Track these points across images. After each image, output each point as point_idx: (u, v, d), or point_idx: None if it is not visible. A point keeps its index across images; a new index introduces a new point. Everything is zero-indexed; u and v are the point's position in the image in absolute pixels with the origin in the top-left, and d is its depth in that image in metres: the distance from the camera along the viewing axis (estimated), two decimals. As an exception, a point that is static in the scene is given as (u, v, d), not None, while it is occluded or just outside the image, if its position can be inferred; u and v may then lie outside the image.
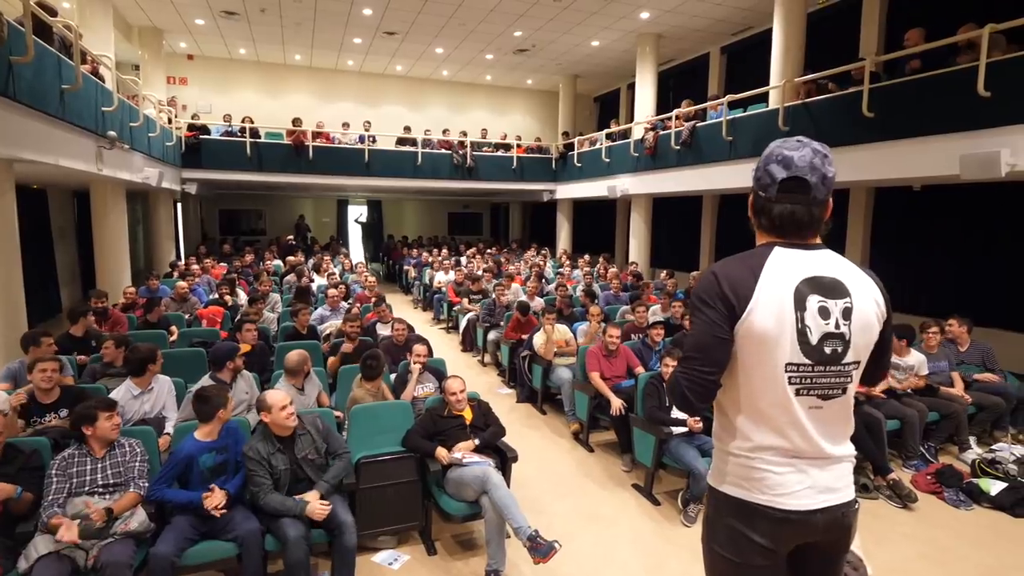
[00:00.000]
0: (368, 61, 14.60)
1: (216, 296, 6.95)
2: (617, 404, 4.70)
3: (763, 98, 8.54)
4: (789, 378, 1.34)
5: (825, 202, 1.40)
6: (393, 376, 4.55)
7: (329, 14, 11.09)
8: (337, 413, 3.93)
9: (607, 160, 11.93)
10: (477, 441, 3.41)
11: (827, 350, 1.34)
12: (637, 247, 11.68)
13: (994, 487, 3.98)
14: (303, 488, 2.90)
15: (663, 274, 9.80)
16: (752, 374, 1.37)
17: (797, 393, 1.34)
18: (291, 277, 8.44)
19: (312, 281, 8.61)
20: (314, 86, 15.37)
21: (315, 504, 2.78)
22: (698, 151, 9.23)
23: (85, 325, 4.83)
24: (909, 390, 4.70)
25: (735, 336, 1.36)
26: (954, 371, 4.91)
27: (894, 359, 4.79)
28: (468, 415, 3.54)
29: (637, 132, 11.14)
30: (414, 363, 4.28)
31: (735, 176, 8.41)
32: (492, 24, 11.44)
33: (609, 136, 12.27)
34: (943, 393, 4.75)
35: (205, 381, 3.62)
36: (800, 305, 1.33)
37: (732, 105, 8.70)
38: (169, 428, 3.42)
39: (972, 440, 4.72)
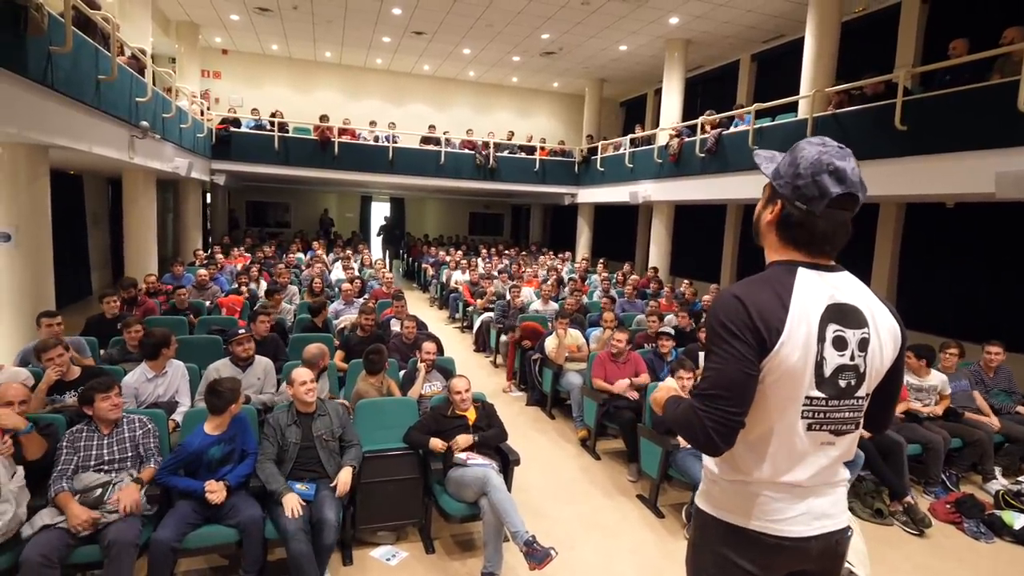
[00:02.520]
0: (396, 60, 14.75)
1: (237, 286, 7.08)
2: (624, 385, 4.65)
3: (792, 107, 8.38)
4: (803, 412, 1.25)
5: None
6: (402, 373, 4.59)
7: (360, 12, 11.24)
8: (343, 401, 3.98)
9: (630, 165, 11.85)
10: (475, 437, 3.40)
11: (841, 383, 1.25)
12: (657, 254, 11.56)
13: (1018, 520, 3.82)
14: (312, 464, 3.05)
15: (684, 283, 9.68)
16: (767, 407, 1.26)
17: (809, 428, 1.26)
18: (306, 272, 8.57)
19: (329, 271, 8.73)
20: (343, 83, 15.58)
21: (347, 476, 2.98)
22: (723, 159, 9.11)
23: (114, 306, 4.97)
24: (934, 416, 4.55)
25: (761, 371, 1.23)
26: (975, 391, 4.73)
27: (915, 380, 4.67)
28: (472, 416, 3.54)
29: (662, 138, 11.04)
30: (421, 361, 4.30)
31: (760, 186, 8.17)
32: (519, 26, 11.45)
33: (633, 141, 12.18)
34: (968, 419, 4.59)
35: (224, 364, 3.71)
36: (821, 336, 1.23)
37: (760, 114, 8.57)
38: (180, 412, 3.49)
39: (998, 470, 4.54)
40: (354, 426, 3.57)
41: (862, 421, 1.33)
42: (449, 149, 13.19)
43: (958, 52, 6.01)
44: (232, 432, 2.93)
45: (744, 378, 1.22)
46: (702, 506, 1.43)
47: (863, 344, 1.26)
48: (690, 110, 12.09)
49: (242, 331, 3.95)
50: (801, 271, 1.27)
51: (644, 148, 11.60)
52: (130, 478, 2.73)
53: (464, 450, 3.34)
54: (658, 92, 13.31)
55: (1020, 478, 4.32)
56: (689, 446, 3.96)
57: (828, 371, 1.24)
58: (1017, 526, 3.79)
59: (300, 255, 11.28)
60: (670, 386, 1.56)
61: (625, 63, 13.49)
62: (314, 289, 6.67)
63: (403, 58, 14.53)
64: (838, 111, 7.02)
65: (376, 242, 18.20)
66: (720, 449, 1.25)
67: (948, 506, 4.05)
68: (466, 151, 13.51)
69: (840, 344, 1.24)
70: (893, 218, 8.44)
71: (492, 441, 3.49)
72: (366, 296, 7.17)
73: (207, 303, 6.36)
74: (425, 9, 10.84)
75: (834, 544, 1.35)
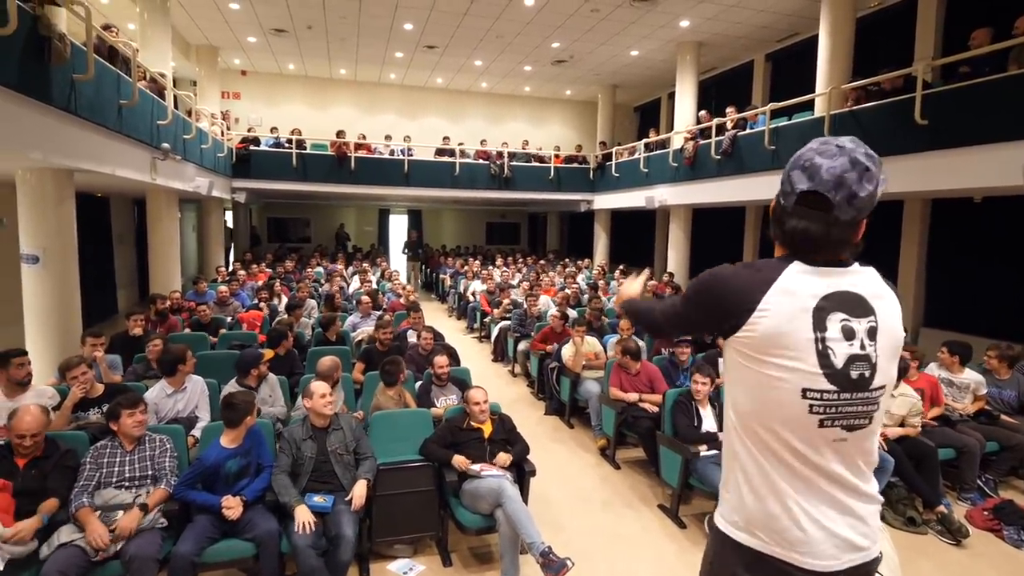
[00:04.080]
0: (409, 74, 14.94)
1: (256, 301, 7.19)
2: (633, 397, 4.62)
3: (809, 106, 8.26)
4: (811, 406, 1.17)
5: (854, 223, 1.19)
6: (418, 384, 4.60)
7: (372, 29, 11.43)
8: (358, 414, 3.99)
9: (645, 170, 11.78)
10: (510, 458, 3.38)
11: (854, 375, 1.17)
12: (676, 259, 11.45)
13: (1060, 526, 3.67)
14: (328, 478, 3.08)
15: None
16: (767, 402, 1.20)
17: (821, 424, 1.17)
18: (325, 286, 8.66)
19: (348, 284, 8.82)
20: (358, 99, 15.84)
21: (362, 490, 3.01)
22: (739, 161, 9.00)
23: (139, 325, 5.09)
24: (966, 416, 4.41)
25: (734, 346, 1.24)
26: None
27: (948, 375, 4.55)
28: (488, 428, 3.52)
29: (676, 142, 10.96)
30: (434, 375, 4.30)
31: (776, 186, 8.12)
32: (529, 36, 11.52)
33: (648, 146, 12.11)
34: (1004, 422, 4.42)
35: (232, 386, 3.75)
36: (820, 325, 1.16)
37: (777, 113, 8.45)
38: (199, 428, 3.54)
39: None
40: (369, 438, 3.58)
41: (877, 416, 1.23)
42: (463, 160, 13.29)
43: (979, 42, 5.84)
44: (248, 445, 2.96)
45: (688, 326, 1.55)
46: (721, 527, 1.33)
47: (872, 333, 1.19)
48: (705, 112, 11.97)
49: (260, 349, 4.00)
50: (794, 263, 1.22)
51: (659, 152, 11.53)
52: (138, 504, 2.72)
53: (477, 462, 3.32)
54: (672, 96, 13.23)
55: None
56: (709, 452, 3.90)
57: (839, 362, 1.17)
58: (1059, 532, 3.63)
59: (320, 269, 11.44)
60: (635, 291, 1.75)
61: (637, 68, 13.46)
62: (333, 303, 6.74)
63: (416, 72, 14.72)
64: (856, 108, 6.89)
65: (402, 258, 18.40)
66: (664, 335, 1.49)
67: (986, 513, 3.90)
68: (480, 161, 13.59)
69: (849, 334, 1.18)
70: (919, 215, 8.23)
71: (521, 459, 3.47)
72: (384, 308, 7.23)
73: (228, 319, 6.47)
74: (436, 24, 10.98)
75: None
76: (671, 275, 10.88)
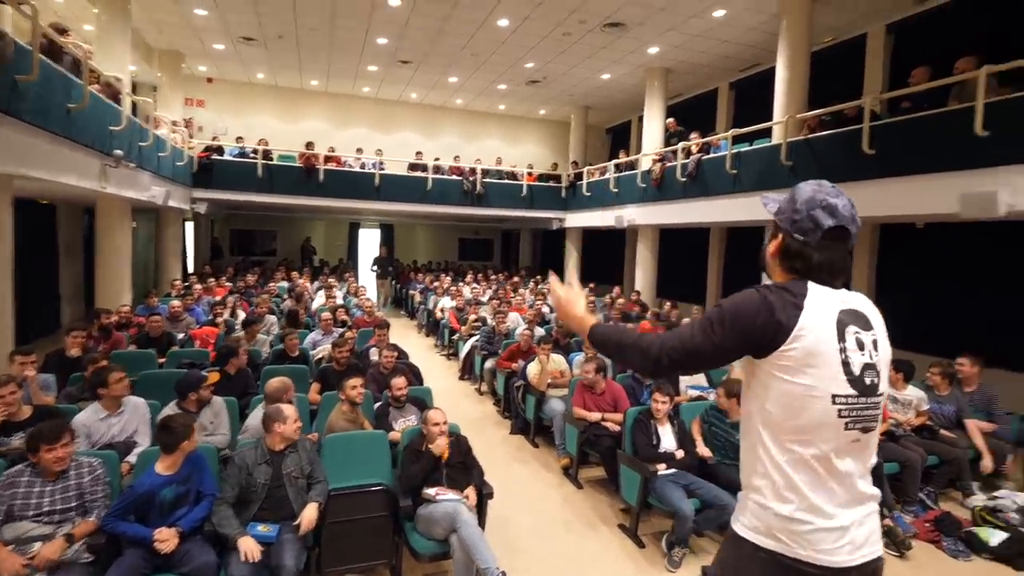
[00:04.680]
0: (383, 88, 14.90)
1: (212, 317, 6.95)
2: (596, 416, 4.60)
3: (769, 133, 8.51)
4: (839, 411, 1.31)
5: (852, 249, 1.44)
6: (377, 405, 4.48)
7: (345, 42, 11.37)
8: (312, 436, 3.86)
9: (615, 190, 11.95)
10: (475, 495, 3.31)
11: (867, 381, 1.34)
12: (643, 277, 11.59)
13: (994, 537, 3.78)
14: (280, 504, 2.94)
15: (667, 305, 9.68)
16: (802, 409, 1.32)
17: (846, 427, 1.32)
18: (288, 303, 8.40)
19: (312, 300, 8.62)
20: (330, 111, 15.69)
21: (312, 513, 2.89)
22: (704, 184, 9.20)
23: (78, 344, 4.83)
24: (909, 430, 4.54)
25: (773, 363, 1.33)
26: (969, 420, 4.68)
27: (892, 391, 4.69)
28: (445, 452, 3.42)
29: (645, 163, 11.16)
30: (392, 396, 4.20)
31: (740, 209, 8.35)
32: (504, 56, 11.64)
33: (617, 167, 12.30)
34: (943, 436, 4.58)
35: (172, 408, 3.57)
36: (841, 336, 1.33)
37: (738, 139, 8.69)
38: (136, 453, 3.34)
39: (976, 486, 4.51)
40: (322, 461, 3.46)
41: (879, 418, 1.40)
42: (436, 176, 13.26)
43: (918, 80, 6.18)
44: (186, 472, 2.81)
45: (719, 355, 1.37)
46: (742, 533, 1.42)
47: (875, 345, 1.37)
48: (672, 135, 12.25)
49: (206, 370, 3.81)
50: (811, 283, 1.38)
51: (628, 173, 11.72)
52: (63, 535, 2.54)
53: (433, 485, 3.24)
54: (641, 119, 13.50)
55: (996, 494, 4.27)
56: (669, 471, 3.88)
57: (856, 370, 1.32)
58: (994, 542, 3.75)
59: (283, 283, 11.17)
60: (580, 309, 1.61)
61: (608, 91, 13.72)
62: (296, 319, 6.56)
63: (390, 86, 14.69)
64: (811, 136, 7.13)
65: (371, 275, 18.13)
66: (656, 374, 1.44)
67: (928, 524, 4.00)
68: (454, 177, 13.59)
69: (861, 345, 1.34)
70: (868, 239, 8.54)
71: (477, 485, 3.39)
72: (348, 325, 7.08)
73: (180, 335, 6.22)
74: (410, 39, 11.00)
75: (871, 573, 1.37)
76: (638, 293, 11.01)
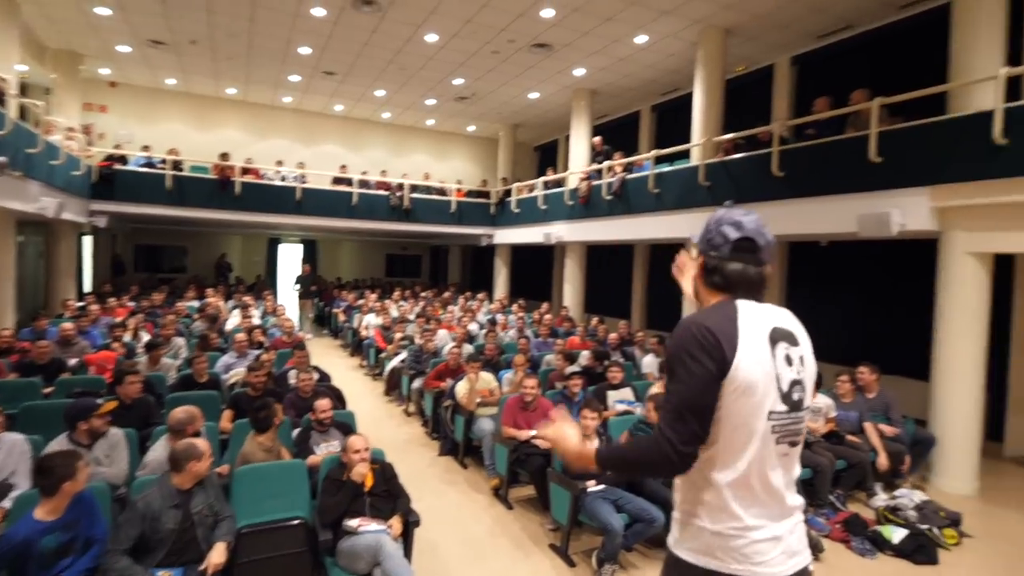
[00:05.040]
0: (306, 99, 14.42)
1: (110, 340, 6.34)
2: (527, 435, 4.59)
3: (688, 154, 8.95)
4: (772, 426, 1.36)
5: (768, 265, 1.50)
6: (296, 432, 4.23)
7: (265, 50, 10.92)
8: (223, 468, 3.58)
9: (544, 207, 12.13)
10: (400, 527, 3.15)
11: (795, 396, 1.39)
12: (571, 293, 11.79)
13: (896, 534, 4.05)
14: (189, 548, 2.70)
15: (594, 320, 9.87)
16: (738, 430, 1.34)
17: (777, 441, 1.37)
18: (199, 323, 7.81)
19: (226, 320, 8.09)
20: (248, 121, 14.98)
21: (220, 556, 2.69)
22: (628, 202, 9.52)
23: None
24: (819, 437, 4.82)
25: (723, 391, 1.34)
26: (868, 423, 5.03)
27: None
28: (368, 480, 3.26)
29: (572, 181, 11.42)
30: (315, 420, 3.98)
31: (662, 227, 8.70)
32: (432, 71, 11.59)
33: (546, 184, 12.51)
34: (849, 441, 4.90)
35: (60, 443, 3.20)
36: (773, 352, 1.38)
37: (660, 160, 9.07)
38: (13, 497, 2.95)
39: (879, 487, 4.84)
40: (234, 495, 3.21)
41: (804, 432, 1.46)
42: (362, 190, 12.92)
43: (819, 109, 6.72)
44: (72, 516, 2.50)
45: (710, 397, 1.33)
46: (682, 555, 1.44)
47: (802, 360, 1.44)
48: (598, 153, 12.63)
49: (100, 400, 3.45)
50: (739, 301, 1.42)
51: (556, 190, 11.94)
52: None
53: (355, 516, 3.06)
54: (569, 138, 13.85)
55: (895, 493, 4.61)
56: (599, 488, 3.90)
57: (785, 386, 1.37)
58: (896, 540, 4.01)
59: (193, 303, 10.44)
60: (574, 443, 1.55)
61: (536, 110, 13.97)
62: (207, 342, 6.11)
63: (313, 97, 14.24)
64: (726, 158, 7.56)
65: (293, 293, 17.26)
66: (686, 468, 1.34)
67: (838, 526, 4.24)
68: (381, 192, 13.30)
69: (789, 361, 1.40)
70: (778, 255, 9.12)
71: (403, 514, 3.24)
72: (265, 346, 6.69)
73: (73, 361, 5.63)
74: (334, 50, 10.72)
75: None
76: (566, 309, 11.16)
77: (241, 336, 6.05)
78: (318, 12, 8.96)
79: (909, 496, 4.37)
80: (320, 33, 9.88)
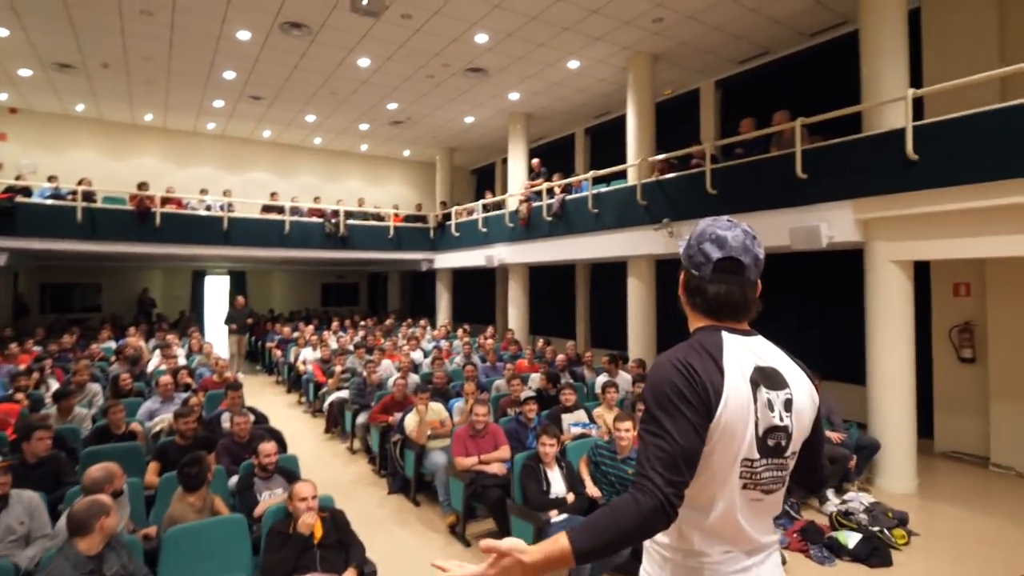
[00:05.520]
0: (232, 125, 13.81)
1: (11, 391, 5.66)
2: (495, 468, 4.43)
3: (624, 174, 9.17)
4: (741, 472, 1.28)
5: (756, 283, 1.40)
6: (233, 480, 3.87)
7: (186, 74, 10.37)
8: (150, 530, 3.19)
9: (484, 230, 12.08)
10: None
11: (770, 443, 1.29)
12: (516, 315, 11.73)
13: (851, 539, 4.14)
14: None
15: (540, 341, 9.84)
16: (712, 472, 1.27)
17: (744, 487, 1.29)
18: (116, 366, 7.11)
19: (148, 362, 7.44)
20: (168, 149, 14.15)
21: None
22: (568, 222, 9.61)
23: None
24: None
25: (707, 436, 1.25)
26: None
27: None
28: (318, 531, 2.99)
29: (511, 203, 11.45)
30: (259, 465, 3.65)
31: (602, 246, 8.82)
32: (365, 96, 11.39)
33: (485, 207, 12.49)
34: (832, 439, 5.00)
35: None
36: (753, 397, 1.28)
37: (597, 180, 9.25)
38: None
39: (830, 492, 4.96)
40: (163, 561, 2.85)
41: (789, 479, 1.37)
42: (295, 218, 12.42)
43: (745, 129, 7.06)
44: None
45: (700, 443, 1.22)
46: None
47: (788, 404, 1.31)
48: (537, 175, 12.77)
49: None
50: (725, 335, 1.33)
51: (496, 213, 11.94)
52: None
53: (305, 572, 2.79)
54: (505, 160, 13.95)
55: (846, 497, 4.74)
56: (562, 518, 3.77)
57: (761, 432, 1.28)
58: (851, 544, 4.10)
59: (109, 344, 9.58)
60: (522, 550, 1.18)
61: (473, 133, 14.00)
62: (117, 387, 5.56)
63: (240, 123, 13.65)
64: (661, 178, 7.79)
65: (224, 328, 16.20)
66: (672, 520, 1.19)
67: (796, 535, 4.29)
68: (314, 219, 12.83)
69: (770, 406, 1.29)
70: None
71: (359, 566, 2.98)
72: (193, 388, 6.17)
73: (-37, 417, 4.96)
74: (261, 75, 10.33)
75: None
76: (512, 331, 11.08)
77: (165, 379, 5.55)
78: (243, 35, 8.62)
79: (859, 499, 4.51)
80: (246, 57, 9.50)
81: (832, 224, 5.60)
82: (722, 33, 8.17)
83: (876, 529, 4.18)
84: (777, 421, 1.29)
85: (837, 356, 7.55)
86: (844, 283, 7.47)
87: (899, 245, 5.35)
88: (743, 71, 9.36)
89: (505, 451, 4.69)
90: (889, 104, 5.52)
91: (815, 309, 8.31)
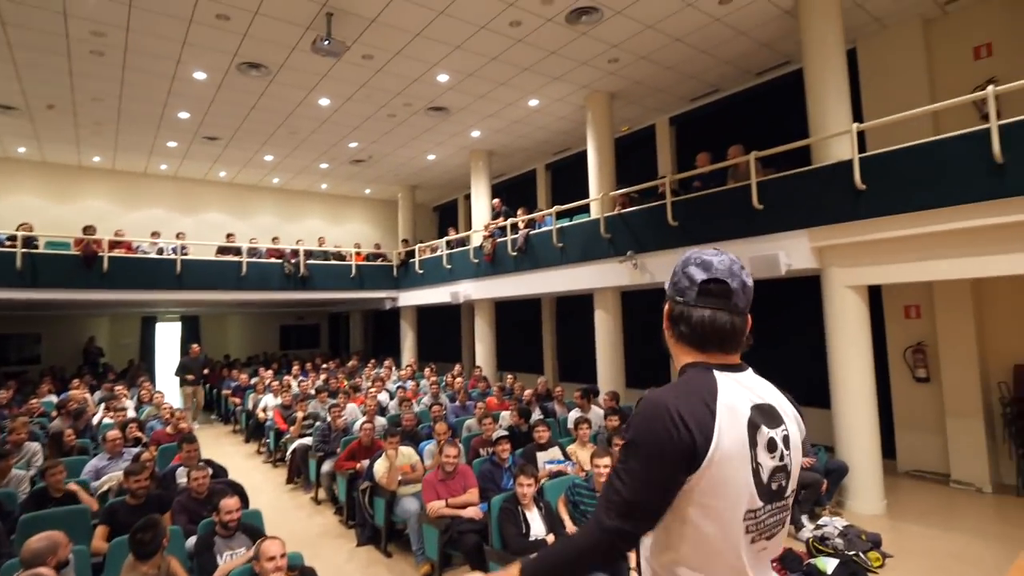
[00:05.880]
0: (185, 166, 13.48)
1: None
2: (471, 513, 4.28)
3: (587, 208, 9.35)
4: (747, 527, 1.20)
5: (745, 313, 1.32)
6: (191, 541, 3.59)
7: (137, 115, 10.11)
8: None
9: (449, 267, 12.02)
10: None
11: (774, 486, 1.22)
12: (483, 351, 11.61)
13: (829, 565, 4.12)
14: None
15: (509, 377, 9.72)
16: (708, 530, 1.18)
17: (752, 541, 1.21)
18: (56, 422, 6.58)
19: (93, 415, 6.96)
20: (116, 191, 13.65)
21: None
22: (533, 257, 9.67)
23: None
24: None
25: (688, 488, 1.17)
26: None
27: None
28: (285, 591, 2.79)
29: (476, 240, 11.47)
30: (219, 522, 3.41)
31: (568, 279, 8.89)
32: (325, 134, 11.34)
33: (449, 244, 12.47)
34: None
35: None
36: (752, 440, 1.20)
37: (561, 215, 9.39)
38: None
39: (804, 518, 4.98)
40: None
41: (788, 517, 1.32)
42: (252, 259, 12.08)
43: (702, 163, 7.33)
44: None
45: (669, 496, 1.18)
46: None
47: (786, 441, 1.26)
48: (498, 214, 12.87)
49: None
50: (717, 375, 1.25)
51: (460, 249, 11.92)
52: None
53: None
54: (468, 197, 14.03)
55: (820, 522, 4.76)
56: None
57: (765, 477, 1.21)
58: (829, 571, 4.08)
59: (50, 398, 8.95)
60: None
61: (435, 171, 14.07)
62: (60, 443, 5.16)
63: (193, 164, 13.33)
64: (623, 211, 7.96)
65: (165, 362, 15.40)
66: (617, 560, 1.17)
67: (774, 563, 4.24)
68: (273, 260, 12.51)
69: (772, 446, 1.23)
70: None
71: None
72: (143, 443, 5.79)
73: None
74: (217, 115, 10.16)
75: None
76: (479, 368, 10.94)
77: (113, 433, 5.18)
78: (199, 76, 8.50)
79: (832, 523, 4.53)
80: (201, 97, 9.35)
81: (790, 252, 5.81)
82: (674, 73, 8.55)
83: (852, 553, 4.20)
84: (778, 461, 1.23)
85: (802, 381, 7.71)
86: (805, 310, 7.71)
87: (853, 271, 5.57)
88: (695, 108, 9.78)
89: (473, 494, 4.54)
90: (836, 137, 5.83)
91: (778, 336, 8.52)
